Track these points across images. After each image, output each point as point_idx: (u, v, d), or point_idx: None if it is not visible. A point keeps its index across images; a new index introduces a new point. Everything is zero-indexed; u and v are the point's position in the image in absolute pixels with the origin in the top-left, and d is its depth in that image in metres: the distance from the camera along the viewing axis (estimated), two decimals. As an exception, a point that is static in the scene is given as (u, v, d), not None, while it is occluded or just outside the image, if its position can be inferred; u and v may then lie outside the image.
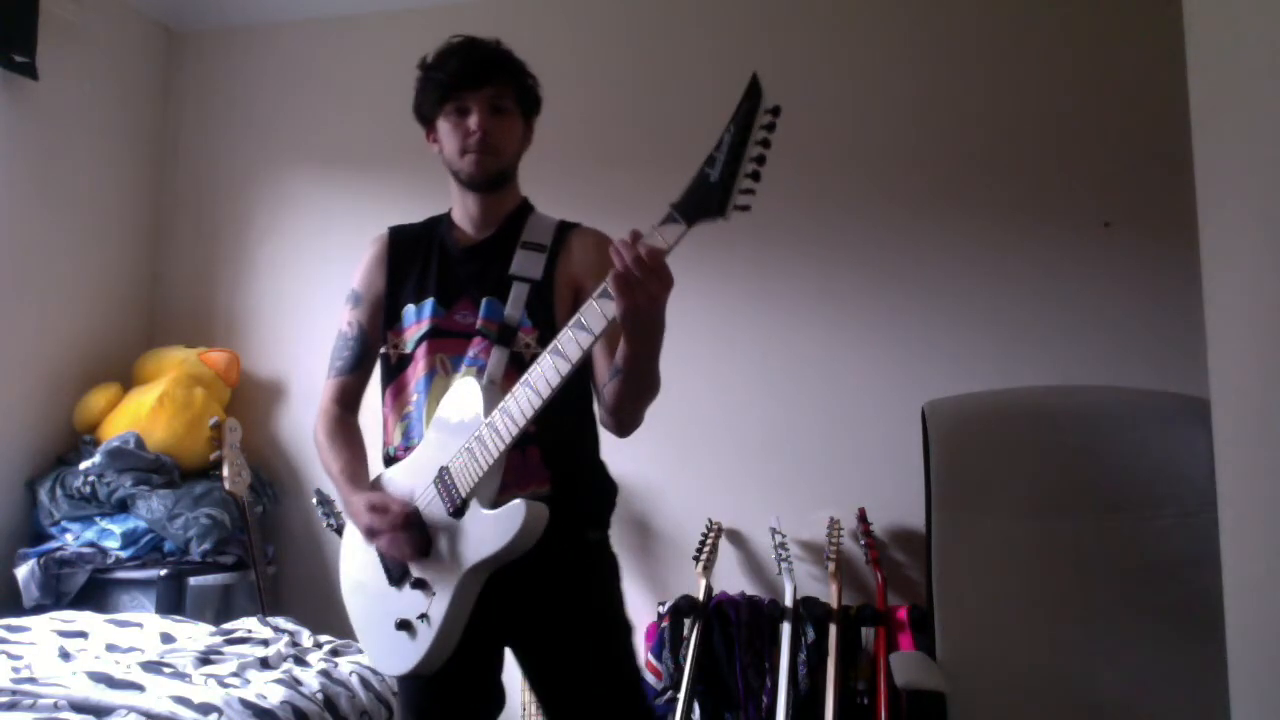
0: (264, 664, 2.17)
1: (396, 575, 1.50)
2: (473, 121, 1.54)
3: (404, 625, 1.47)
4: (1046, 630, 2.15)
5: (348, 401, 1.65)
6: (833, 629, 2.59)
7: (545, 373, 1.35)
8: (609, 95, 3.19)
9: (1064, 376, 2.72)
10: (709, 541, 2.76)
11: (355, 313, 1.66)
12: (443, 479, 1.44)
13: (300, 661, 2.22)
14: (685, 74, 3.13)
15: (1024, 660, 2.13)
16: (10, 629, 2.29)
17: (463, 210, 1.64)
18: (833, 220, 3.01)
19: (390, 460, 1.59)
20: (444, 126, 1.58)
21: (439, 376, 1.54)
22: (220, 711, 1.81)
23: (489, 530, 1.39)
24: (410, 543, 1.45)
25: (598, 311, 1.31)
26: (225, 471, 2.92)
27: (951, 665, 2.09)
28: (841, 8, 3.09)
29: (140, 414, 3.04)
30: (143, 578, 2.81)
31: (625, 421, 1.51)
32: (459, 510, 1.42)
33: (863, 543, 2.71)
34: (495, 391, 1.45)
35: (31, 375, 3.07)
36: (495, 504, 1.40)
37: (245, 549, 2.89)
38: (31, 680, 1.88)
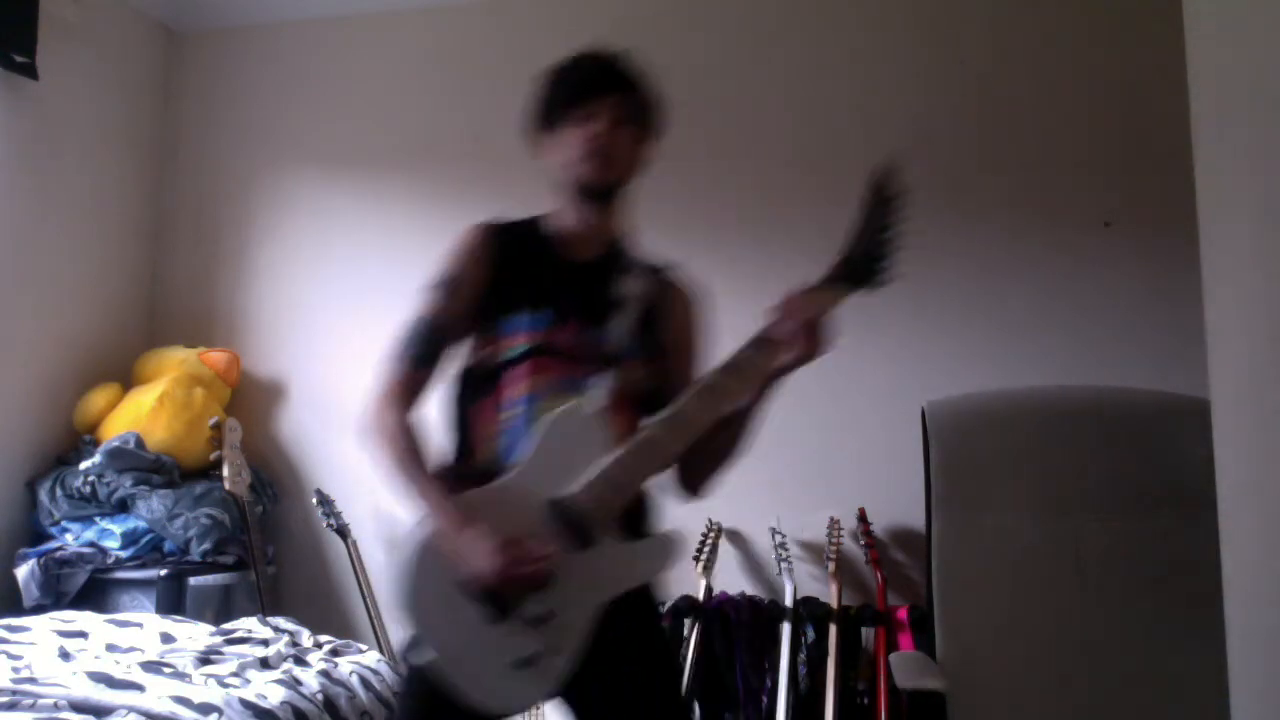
0: (264, 664, 2.17)
1: (505, 609, 1.38)
2: (595, 127, 1.49)
3: (527, 663, 1.38)
4: (1046, 630, 2.15)
5: (408, 402, 1.49)
6: (833, 629, 2.59)
7: (703, 411, 1.39)
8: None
9: (1064, 376, 2.72)
10: (709, 541, 2.76)
11: (439, 303, 1.51)
12: (560, 510, 1.38)
13: (300, 661, 2.21)
14: (685, 74, 3.13)
15: (1024, 660, 2.13)
16: (10, 629, 2.29)
17: (569, 222, 1.56)
18: (832, 219, 2.99)
19: (468, 475, 1.46)
20: (562, 135, 1.52)
21: (547, 397, 1.45)
22: (220, 711, 1.81)
23: (635, 560, 1.42)
24: (548, 580, 1.37)
25: (756, 363, 1.39)
26: (225, 471, 2.92)
27: (951, 665, 2.09)
28: (841, 7, 3.09)
29: (140, 414, 3.04)
30: (143, 578, 2.81)
31: (708, 482, 1.55)
32: (588, 543, 1.38)
33: (863, 543, 2.71)
34: (606, 423, 1.44)
35: (31, 375, 3.07)
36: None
37: (245, 549, 2.89)
38: (31, 680, 1.87)
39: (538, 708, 1.45)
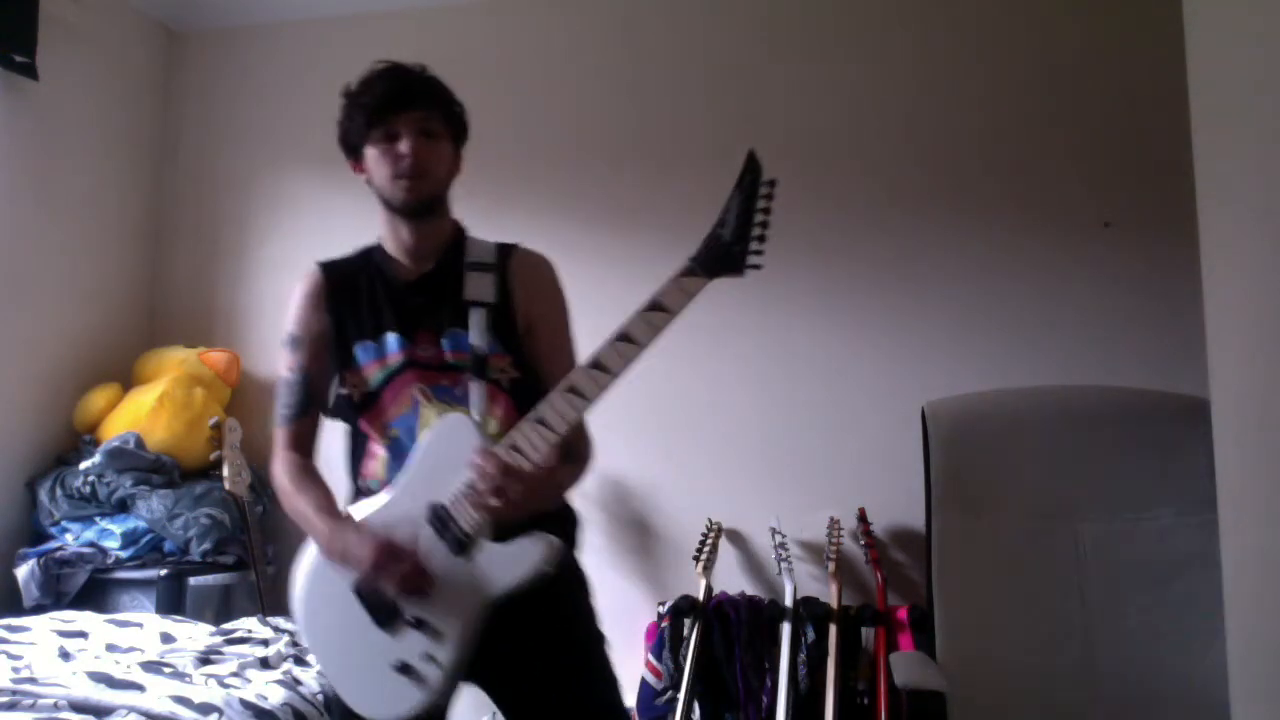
0: (264, 664, 2.17)
1: (385, 616, 1.43)
2: (403, 146, 1.50)
3: (406, 669, 1.41)
4: (1046, 630, 2.15)
5: (302, 447, 1.59)
6: (833, 629, 2.59)
7: (562, 411, 1.37)
8: (605, 95, 3.20)
9: (1064, 376, 2.72)
10: (709, 541, 2.76)
11: (296, 356, 1.59)
12: (438, 516, 1.42)
13: (300, 661, 2.21)
14: (683, 74, 3.13)
15: (1024, 660, 2.13)
16: (10, 629, 2.29)
17: (397, 240, 1.59)
18: (833, 220, 3.01)
19: (364, 494, 1.54)
20: (372, 153, 1.53)
21: (424, 408, 1.51)
22: (220, 711, 1.81)
23: (507, 564, 1.39)
24: (426, 581, 1.40)
25: (616, 353, 1.35)
26: (225, 471, 2.92)
27: (951, 665, 2.09)
28: (844, 7, 3.09)
29: (140, 414, 3.04)
30: (143, 578, 2.80)
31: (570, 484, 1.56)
32: (464, 548, 1.40)
33: (863, 543, 2.71)
34: (486, 423, 1.46)
35: (31, 375, 3.07)
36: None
37: (245, 549, 2.89)
38: (31, 680, 1.88)
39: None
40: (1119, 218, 2.80)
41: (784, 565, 2.71)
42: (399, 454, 1.51)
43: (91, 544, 2.86)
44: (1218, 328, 1.43)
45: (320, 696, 2.02)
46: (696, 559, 2.72)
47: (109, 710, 1.76)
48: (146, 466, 2.95)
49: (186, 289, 3.51)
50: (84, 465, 2.93)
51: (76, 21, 3.16)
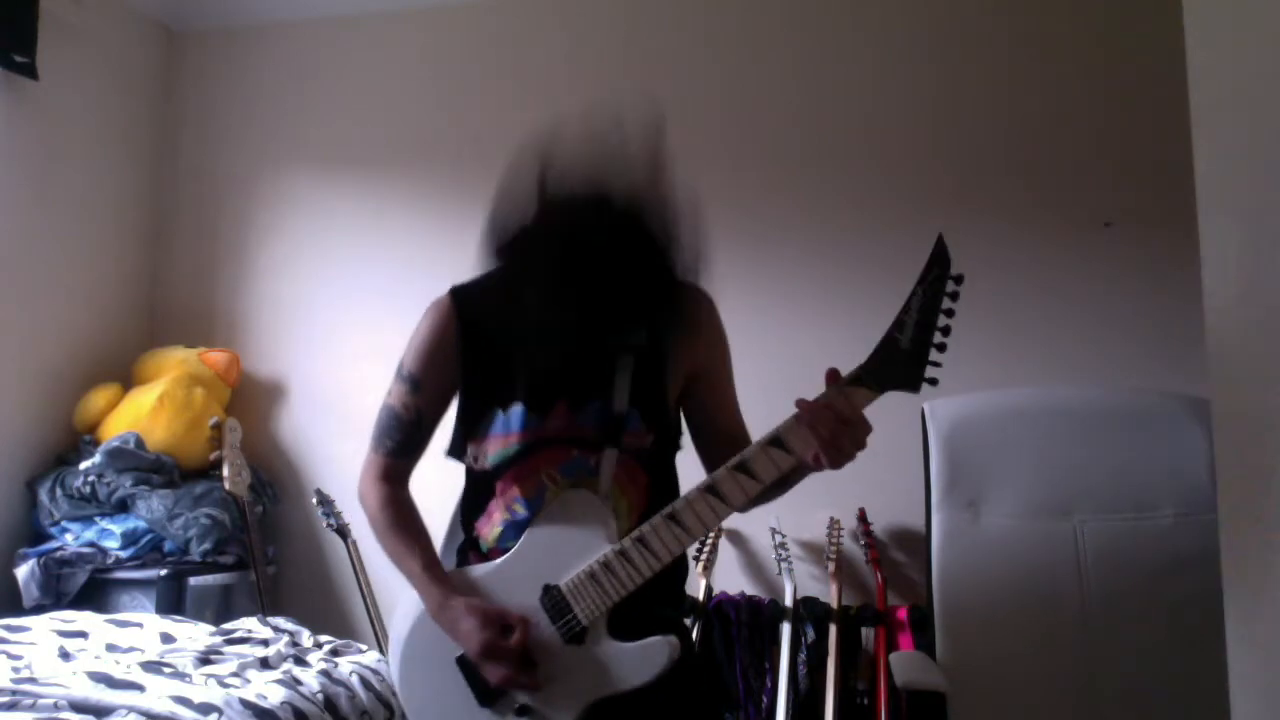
0: (264, 664, 2.17)
1: (489, 696, 1.33)
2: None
3: None
4: (1046, 630, 2.15)
5: (399, 480, 1.49)
6: (833, 629, 2.59)
7: (701, 514, 1.27)
8: (607, 95, 3.19)
9: (1064, 376, 2.72)
10: (709, 541, 2.76)
11: (415, 398, 1.45)
12: (553, 599, 1.32)
13: (300, 661, 2.21)
14: (690, 73, 3.13)
15: (1024, 660, 2.13)
16: (10, 629, 2.29)
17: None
18: (833, 219, 3.01)
19: (472, 548, 1.45)
20: None
21: (550, 492, 1.38)
22: (220, 711, 1.81)
23: (626, 664, 1.29)
24: (530, 679, 1.30)
25: (769, 461, 1.26)
26: (225, 471, 2.92)
27: (951, 665, 2.09)
28: (844, 12, 3.08)
29: (140, 414, 3.04)
30: (143, 578, 2.81)
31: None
32: (579, 638, 1.31)
33: (863, 543, 2.71)
34: (616, 500, 1.37)
35: (31, 375, 3.07)
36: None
37: (245, 549, 2.89)
38: (31, 680, 1.87)
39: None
40: (1119, 218, 2.80)
41: (784, 565, 2.71)
42: (517, 526, 1.39)
43: (91, 544, 2.86)
44: (1218, 328, 1.42)
45: (320, 696, 2.02)
46: (697, 559, 2.72)
47: (109, 710, 1.76)
48: (146, 466, 2.96)
49: (186, 289, 3.51)
50: (84, 465, 2.93)
51: (76, 21, 3.16)
